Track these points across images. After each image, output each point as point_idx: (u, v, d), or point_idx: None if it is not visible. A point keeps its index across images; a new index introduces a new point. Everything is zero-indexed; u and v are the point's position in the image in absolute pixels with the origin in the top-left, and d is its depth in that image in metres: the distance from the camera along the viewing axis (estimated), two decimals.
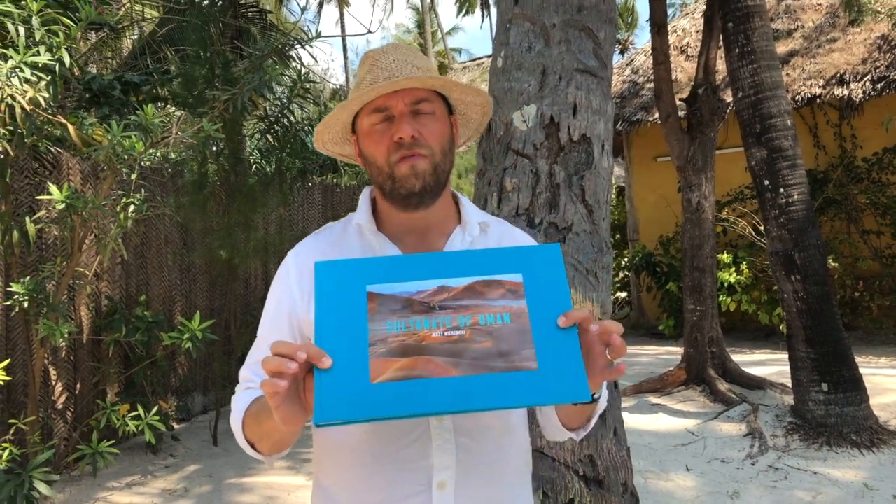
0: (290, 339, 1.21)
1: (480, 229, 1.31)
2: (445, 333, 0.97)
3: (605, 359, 0.99)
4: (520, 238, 1.36)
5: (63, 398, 5.10)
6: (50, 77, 4.01)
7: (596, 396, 1.16)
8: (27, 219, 4.46)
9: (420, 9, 29.17)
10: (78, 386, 5.24)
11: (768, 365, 7.25)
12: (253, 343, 1.30)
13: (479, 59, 24.77)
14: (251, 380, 1.24)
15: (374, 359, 0.95)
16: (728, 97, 6.94)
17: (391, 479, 1.15)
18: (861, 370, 5.10)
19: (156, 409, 4.65)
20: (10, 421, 4.23)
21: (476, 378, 0.93)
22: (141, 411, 4.57)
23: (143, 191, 4.93)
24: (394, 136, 1.17)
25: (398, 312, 1.00)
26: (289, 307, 1.23)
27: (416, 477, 1.14)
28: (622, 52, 27.09)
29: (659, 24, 6.84)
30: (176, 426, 6.06)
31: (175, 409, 6.16)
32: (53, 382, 5.03)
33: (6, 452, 3.89)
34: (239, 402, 1.21)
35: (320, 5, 25.30)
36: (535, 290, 1.02)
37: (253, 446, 1.19)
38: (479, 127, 1.40)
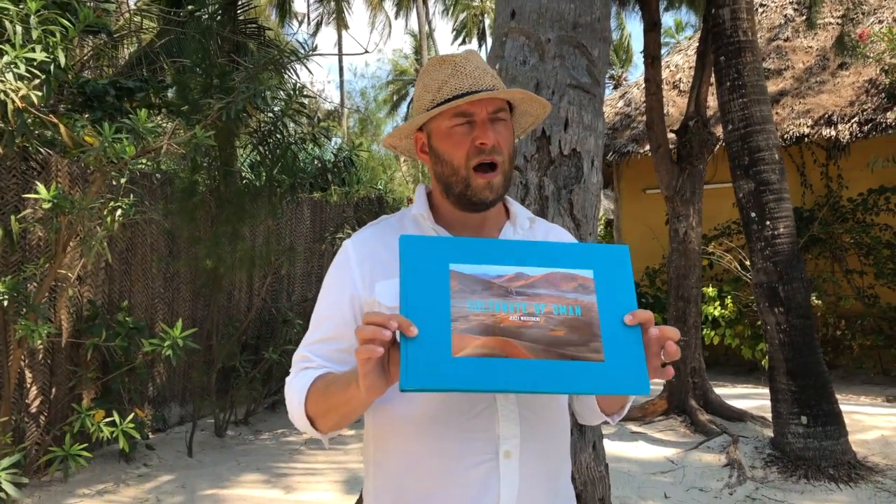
0: (352, 320, 1.28)
1: (529, 224, 1.41)
2: (521, 318, 1.04)
3: (660, 360, 1.08)
4: (562, 235, 1.48)
5: (37, 402, 5.02)
6: (44, 76, 4.01)
7: None
8: (12, 217, 4.43)
9: (417, 35, 29.46)
10: (53, 390, 5.16)
11: (750, 399, 7.25)
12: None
13: None
14: (309, 359, 1.30)
15: (457, 334, 1.01)
16: (718, 131, 7.02)
17: (458, 448, 1.20)
18: (841, 407, 5.11)
19: (131, 416, 4.58)
20: None
21: (550, 363, 1.01)
22: (116, 418, 4.50)
23: (131, 195, 4.90)
24: (476, 140, 1.26)
25: (478, 293, 1.06)
26: (350, 290, 1.29)
27: (483, 446, 1.20)
28: (615, 87, 27.42)
29: (653, 56, 6.94)
30: (151, 436, 5.97)
31: (151, 418, 6.07)
32: (28, 385, 4.95)
33: None
34: (298, 381, 1.26)
35: (318, 25, 25.50)
36: (604, 287, 1.09)
37: (312, 423, 1.23)
38: (527, 129, 1.49)
